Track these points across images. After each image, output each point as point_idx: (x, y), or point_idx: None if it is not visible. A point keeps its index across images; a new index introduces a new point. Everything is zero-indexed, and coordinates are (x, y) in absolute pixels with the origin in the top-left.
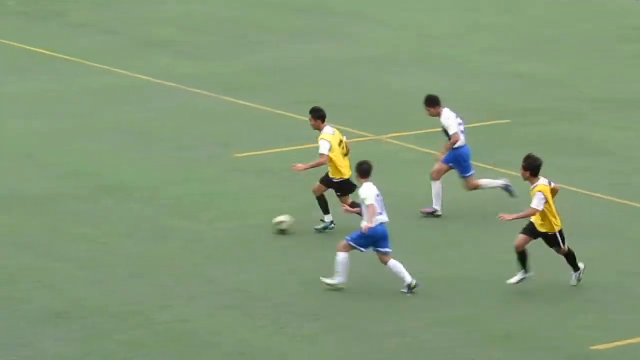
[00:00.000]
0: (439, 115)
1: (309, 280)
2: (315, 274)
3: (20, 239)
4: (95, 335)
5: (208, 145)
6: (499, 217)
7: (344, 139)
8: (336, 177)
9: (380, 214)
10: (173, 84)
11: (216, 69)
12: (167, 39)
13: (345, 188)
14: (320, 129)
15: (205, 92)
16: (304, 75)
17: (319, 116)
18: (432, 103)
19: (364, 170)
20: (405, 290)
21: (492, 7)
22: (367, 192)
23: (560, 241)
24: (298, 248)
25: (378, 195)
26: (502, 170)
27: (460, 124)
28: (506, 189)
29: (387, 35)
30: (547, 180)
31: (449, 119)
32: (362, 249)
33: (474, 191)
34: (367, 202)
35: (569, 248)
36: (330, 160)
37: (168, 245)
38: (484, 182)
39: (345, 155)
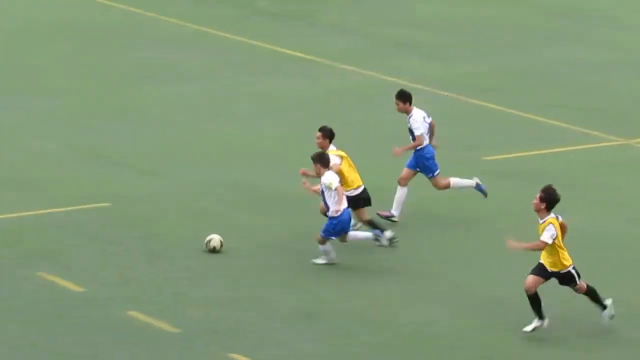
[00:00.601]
0: (407, 112)
1: (557, 287)
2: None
3: (272, 239)
4: (342, 335)
5: (454, 148)
6: (508, 245)
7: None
8: (351, 188)
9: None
10: (420, 86)
11: (464, 70)
12: (416, 40)
13: (361, 200)
14: (325, 149)
15: (453, 94)
16: (552, 77)
17: (328, 135)
18: (404, 98)
19: (327, 160)
20: (384, 242)
21: None
22: (331, 177)
23: (576, 276)
24: None
25: (339, 181)
26: None
27: (426, 124)
28: (478, 188)
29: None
30: (555, 215)
31: (417, 121)
32: (334, 238)
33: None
34: (334, 186)
35: (587, 285)
36: (342, 174)
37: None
38: (453, 180)
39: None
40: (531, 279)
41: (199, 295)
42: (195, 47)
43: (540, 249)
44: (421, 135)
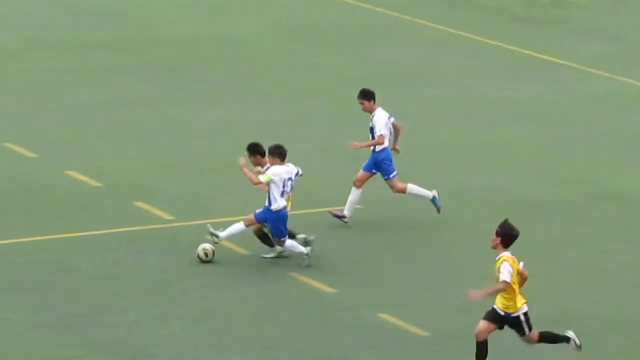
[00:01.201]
0: (371, 111)
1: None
2: None
3: (524, 246)
4: (592, 342)
5: None
6: (469, 297)
7: None
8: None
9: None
10: None
11: None
12: None
13: None
14: (262, 165)
15: None
16: None
17: (254, 151)
18: (367, 97)
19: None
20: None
21: None
22: (274, 171)
23: (525, 325)
24: None
25: (289, 179)
26: None
27: (390, 125)
28: (433, 201)
29: None
30: (510, 254)
31: (379, 122)
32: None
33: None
34: (264, 180)
35: (540, 332)
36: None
37: None
38: (411, 187)
39: None
40: (482, 325)
41: (444, 300)
42: (449, 51)
43: (504, 290)
44: (382, 135)
